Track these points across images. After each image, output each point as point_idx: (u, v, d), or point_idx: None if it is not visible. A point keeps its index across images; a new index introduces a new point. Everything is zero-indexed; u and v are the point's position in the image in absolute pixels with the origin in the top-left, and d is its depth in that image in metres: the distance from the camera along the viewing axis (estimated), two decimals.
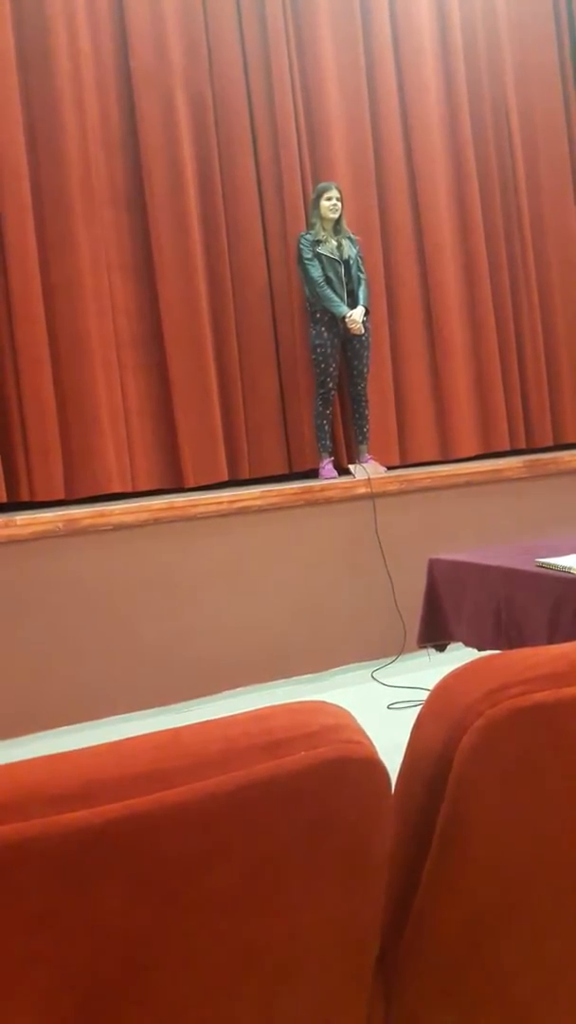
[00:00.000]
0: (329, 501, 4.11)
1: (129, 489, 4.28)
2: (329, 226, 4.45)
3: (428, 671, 3.62)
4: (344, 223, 4.51)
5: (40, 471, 4.06)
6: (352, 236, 4.55)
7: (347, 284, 4.46)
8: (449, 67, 5.16)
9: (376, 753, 0.71)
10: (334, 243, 4.44)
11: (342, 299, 4.40)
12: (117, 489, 4.21)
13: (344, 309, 4.36)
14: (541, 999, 0.94)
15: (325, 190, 4.44)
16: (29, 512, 3.77)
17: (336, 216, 4.44)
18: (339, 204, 4.43)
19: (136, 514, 3.75)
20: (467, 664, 0.84)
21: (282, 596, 3.97)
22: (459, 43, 5.16)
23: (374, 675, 3.92)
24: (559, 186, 5.47)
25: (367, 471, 4.33)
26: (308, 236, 4.43)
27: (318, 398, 4.47)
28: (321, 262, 4.40)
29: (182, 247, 4.42)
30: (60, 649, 3.56)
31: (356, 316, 4.37)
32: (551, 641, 2.17)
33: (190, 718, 3.49)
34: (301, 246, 4.43)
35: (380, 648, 4.04)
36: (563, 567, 2.21)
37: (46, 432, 4.07)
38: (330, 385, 4.46)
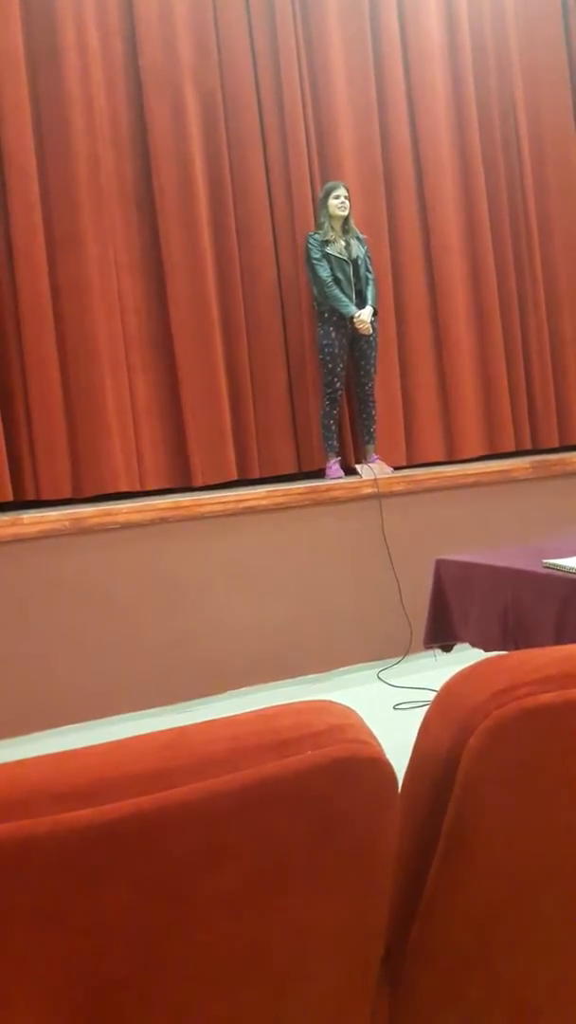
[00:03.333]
0: (335, 501, 4.11)
1: (137, 488, 4.29)
2: (338, 225, 4.45)
3: (434, 672, 3.62)
4: (352, 222, 4.51)
5: (47, 470, 4.07)
6: (360, 235, 4.55)
7: (355, 284, 4.46)
8: (457, 66, 5.15)
9: (383, 753, 0.71)
10: (342, 243, 4.44)
11: (350, 299, 4.39)
12: (124, 488, 4.21)
13: (352, 309, 4.36)
14: (547, 1001, 0.94)
15: (333, 189, 4.44)
16: (36, 511, 3.78)
17: (345, 215, 4.44)
18: (347, 203, 4.43)
19: (143, 513, 3.75)
20: (474, 665, 0.84)
21: (288, 596, 3.97)
22: (467, 42, 5.16)
23: (380, 675, 3.91)
24: (566, 186, 5.45)
25: (374, 471, 4.33)
26: (316, 236, 4.43)
27: (325, 398, 4.47)
28: (329, 262, 4.39)
29: (191, 246, 4.42)
30: (66, 648, 3.57)
31: (364, 316, 4.37)
32: (558, 642, 2.17)
33: (196, 717, 3.49)
34: (309, 246, 4.43)
35: (386, 648, 4.04)
36: (570, 568, 2.21)
37: (53, 431, 4.07)
38: (337, 385, 4.46)
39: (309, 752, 0.67)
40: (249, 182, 4.61)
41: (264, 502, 3.96)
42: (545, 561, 2.32)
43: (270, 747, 0.67)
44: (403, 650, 4.01)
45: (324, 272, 4.37)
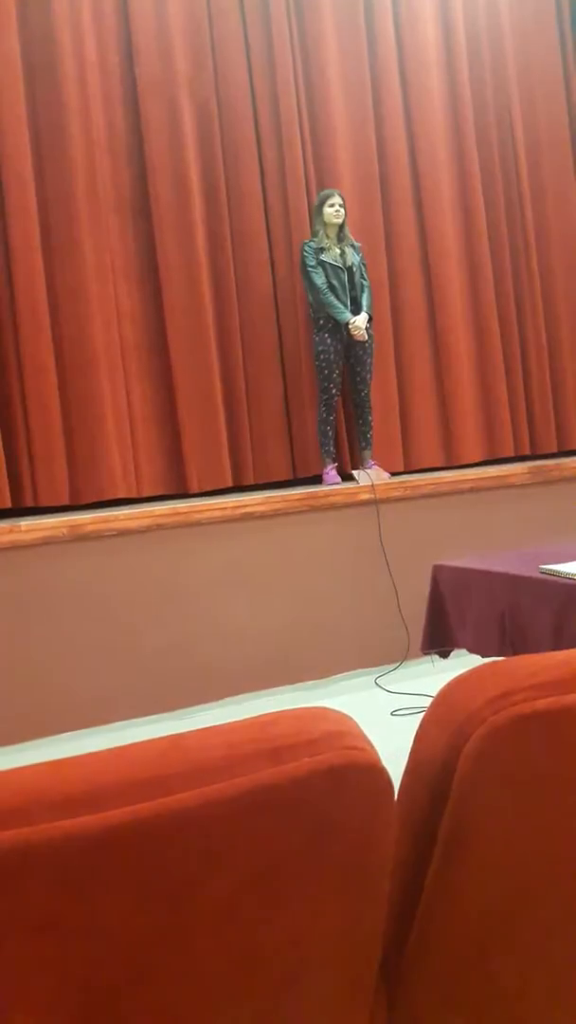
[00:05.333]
0: (333, 507, 4.11)
1: (134, 495, 4.29)
2: (332, 233, 4.46)
3: (432, 678, 3.62)
4: (347, 230, 4.52)
5: (44, 477, 4.07)
6: (355, 243, 4.57)
7: (350, 291, 4.47)
8: (453, 74, 5.17)
9: (379, 759, 0.71)
10: (337, 250, 4.46)
11: (345, 306, 4.41)
12: (122, 495, 4.21)
13: (347, 316, 4.37)
14: (545, 1006, 0.94)
15: (328, 197, 4.45)
16: (33, 518, 3.78)
17: (340, 222, 4.46)
18: (342, 210, 4.45)
19: (140, 520, 3.75)
20: (470, 671, 0.84)
21: (285, 602, 3.96)
22: (463, 50, 5.18)
23: (378, 682, 3.91)
24: (563, 192, 5.47)
25: (371, 477, 4.33)
26: (311, 243, 4.44)
27: (322, 404, 4.48)
28: (324, 269, 4.41)
29: (187, 254, 4.43)
30: (63, 655, 3.56)
31: (359, 323, 4.38)
32: (556, 647, 2.17)
33: (193, 724, 3.48)
34: (304, 253, 4.44)
35: (384, 654, 4.04)
36: (567, 573, 2.21)
37: (51, 438, 4.08)
38: (333, 391, 4.46)
39: (305, 759, 0.67)
40: (245, 190, 4.62)
41: (261, 508, 3.96)
42: (542, 566, 2.32)
43: (266, 754, 0.67)
44: (401, 656, 4.01)
45: (319, 279, 4.39)
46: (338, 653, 4.04)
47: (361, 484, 4.27)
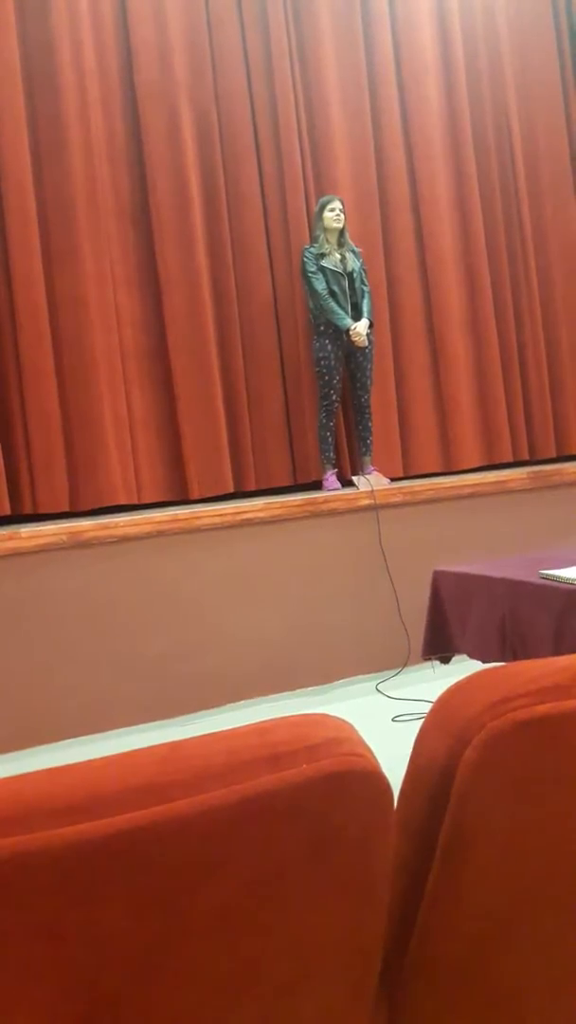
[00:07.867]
0: (333, 513, 4.11)
1: (134, 501, 4.29)
2: (333, 238, 4.47)
3: (432, 683, 3.61)
4: (347, 235, 4.54)
5: (44, 483, 4.07)
6: (355, 248, 4.58)
7: (351, 297, 4.48)
8: (450, 81, 5.19)
9: (378, 766, 0.71)
10: (338, 256, 4.47)
11: (346, 311, 4.41)
12: (122, 501, 4.21)
13: (348, 322, 4.38)
14: (545, 1013, 0.93)
15: (328, 202, 4.47)
16: (33, 524, 3.78)
17: (340, 227, 4.47)
18: (342, 215, 4.46)
19: (140, 526, 3.75)
20: (470, 676, 0.84)
21: (286, 608, 3.96)
22: (460, 57, 5.20)
23: (378, 687, 3.91)
24: (561, 198, 5.49)
25: (370, 483, 4.34)
26: (312, 249, 4.45)
27: (322, 410, 4.48)
28: (325, 275, 4.42)
29: (187, 260, 4.44)
30: (63, 661, 3.56)
31: (360, 329, 4.39)
32: (556, 653, 2.17)
33: (193, 731, 3.48)
34: (305, 259, 4.45)
35: (384, 660, 4.04)
36: (567, 579, 2.21)
37: (51, 444, 4.08)
38: (334, 397, 4.47)
39: (304, 766, 0.67)
40: (244, 197, 4.64)
41: (261, 514, 3.96)
42: (542, 572, 2.32)
43: (265, 761, 0.67)
44: (401, 662, 4.01)
45: (320, 285, 4.39)
46: (339, 659, 4.03)
47: (361, 490, 4.27)
